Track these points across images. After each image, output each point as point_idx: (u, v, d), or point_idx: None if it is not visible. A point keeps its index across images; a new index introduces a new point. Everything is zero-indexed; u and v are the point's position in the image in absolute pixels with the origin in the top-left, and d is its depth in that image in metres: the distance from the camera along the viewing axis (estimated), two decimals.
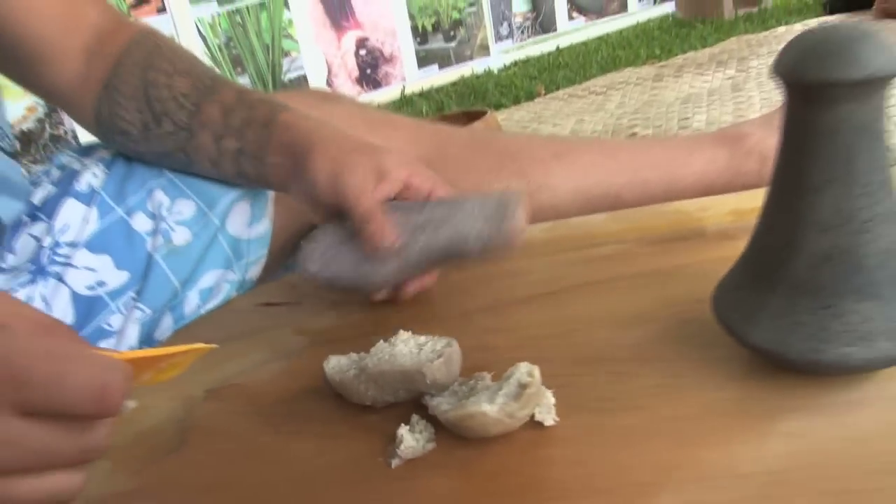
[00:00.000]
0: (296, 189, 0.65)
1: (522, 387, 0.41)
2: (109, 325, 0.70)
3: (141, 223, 0.71)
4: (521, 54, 2.32)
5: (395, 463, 0.43)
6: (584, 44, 2.36)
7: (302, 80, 2.04)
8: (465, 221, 0.57)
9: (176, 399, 0.57)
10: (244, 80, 1.98)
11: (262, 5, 1.97)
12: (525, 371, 0.42)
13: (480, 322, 0.58)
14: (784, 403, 0.41)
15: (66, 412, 0.31)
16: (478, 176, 0.75)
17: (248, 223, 0.75)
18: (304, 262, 0.61)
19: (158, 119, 0.69)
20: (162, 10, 1.87)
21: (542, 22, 2.39)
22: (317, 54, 2.04)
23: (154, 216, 0.72)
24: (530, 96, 1.76)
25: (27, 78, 0.71)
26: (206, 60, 1.92)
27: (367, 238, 0.58)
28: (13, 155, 0.67)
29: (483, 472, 0.41)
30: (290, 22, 2.00)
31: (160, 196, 0.72)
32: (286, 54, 2.02)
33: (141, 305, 0.70)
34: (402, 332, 0.51)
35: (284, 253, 0.80)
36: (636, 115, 1.34)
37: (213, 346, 0.41)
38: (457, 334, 0.50)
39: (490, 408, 0.41)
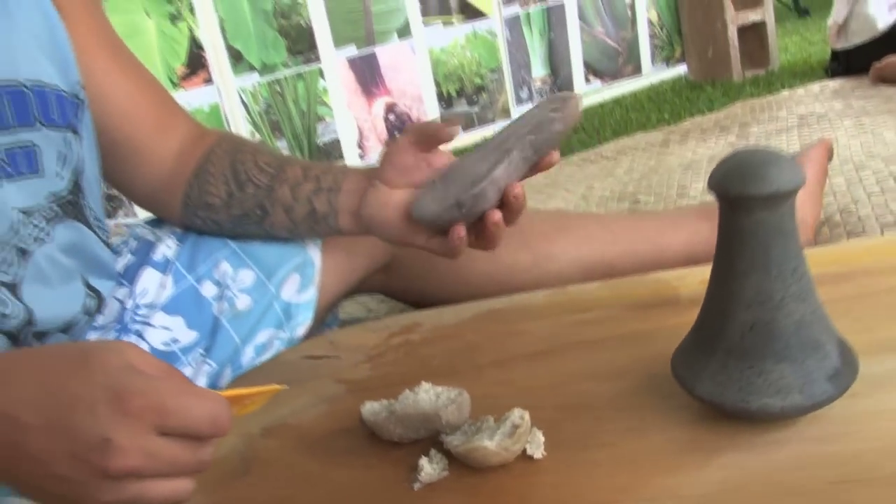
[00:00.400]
0: (371, 190, 0.74)
1: (515, 427, 0.53)
2: None
3: (208, 290, 0.84)
4: None
5: (416, 486, 0.55)
6: (601, 105, 2.50)
7: (335, 143, 2.19)
8: (537, 116, 0.66)
9: (237, 436, 0.69)
10: (282, 144, 2.13)
11: (299, 76, 2.13)
12: (518, 415, 0.54)
13: (488, 375, 0.70)
14: (721, 443, 0.53)
15: (191, 434, 0.44)
16: None
17: (298, 291, 0.87)
18: (421, 209, 0.69)
19: (242, 185, 0.81)
20: (209, 80, 2.04)
21: (560, 85, 2.53)
22: (349, 119, 2.19)
23: (219, 284, 0.85)
24: None
25: (122, 177, 0.84)
26: (248, 126, 2.09)
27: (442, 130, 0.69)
28: (108, 243, 0.81)
29: (485, 493, 0.53)
30: (325, 90, 2.16)
31: (225, 266, 0.85)
32: (320, 119, 2.17)
33: (209, 360, 0.83)
34: (423, 383, 0.63)
35: (325, 314, 0.92)
36: (641, 181, 1.46)
37: (285, 386, 0.54)
38: (468, 385, 0.62)
39: (490, 443, 0.52)
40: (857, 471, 0.48)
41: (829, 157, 1.05)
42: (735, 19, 2.45)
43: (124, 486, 0.43)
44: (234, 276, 0.85)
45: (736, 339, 0.53)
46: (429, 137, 0.71)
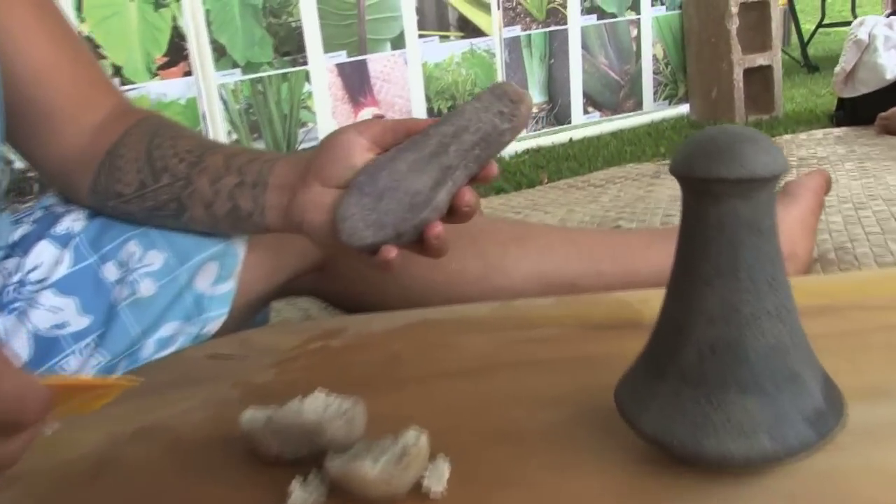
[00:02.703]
0: (302, 192, 0.64)
1: (404, 452, 0.42)
2: (65, 367, 0.71)
3: (110, 272, 0.74)
4: (533, 143, 2.38)
5: None
6: (597, 137, 2.42)
7: None
8: (481, 117, 0.57)
9: (104, 434, 0.58)
10: (260, 145, 2.05)
11: (284, 77, 2.05)
12: (413, 437, 0.43)
13: (406, 391, 0.59)
14: (664, 494, 0.42)
15: None
16: None
17: (214, 282, 0.76)
18: (353, 233, 0.59)
19: (158, 175, 0.71)
20: (188, 73, 1.96)
21: (556, 114, 2.45)
22: (332, 127, 2.10)
23: (124, 265, 0.74)
24: (533, 184, 1.80)
25: (30, 144, 0.75)
26: (226, 125, 2.00)
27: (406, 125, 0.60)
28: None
29: None
30: (310, 95, 2.07)
31: (133, 247, 0.75)
32: (303, 125, 2.09)
33: (101, 351, 0.72)
34: (317, 391, 0.52)
35: (246, 314, 0.81)
36: (625, 209, 1.37)
37: (137, 381, 0.43)
38: (380, 401, 0.52)
39: (371, 468, 0.41)
40: None
41: (827, 189, 0.95)
42: (742, 61, 2.38)
43: None
44: (141, 257, 0.75)
45: (692, 361, 0.42)
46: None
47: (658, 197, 1.44)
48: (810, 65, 4.06)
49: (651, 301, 0.68)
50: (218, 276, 0.77)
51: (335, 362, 0.67)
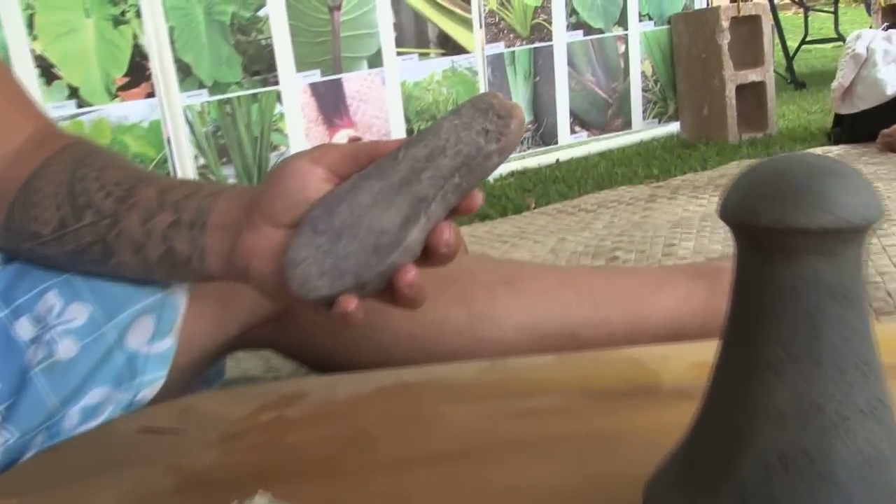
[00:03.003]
0: (248, 233, 0.53)
1: None
2: None
3: (24, 329, 0.62)
4: (519, 165, 2.29)
5: None
6: (585, 158, 2.33)
7: None
8: (461, 136, 0.46)
9: None
10: (229, 171, 1.94)
11: (253, 97, 1.95)
12: None
13: (375, 481, 0.48)
14: None
15: None
16: None
17: (150, 339, 0.64)
18: (304, 282, 0.48)
19: (80, 213, 0.60)
20: (151, 94, 1.85)
21: (542, 134, 2.37)
22: None
23: (40, 321, 0.62)
24: (519, 209, 1.70)
25: None
26: (192, 148, 1.88)
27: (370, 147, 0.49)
28: None
29: None
30: (282, 116, 1.98)
31: (52, 298, 0.63)
32: (274, 148, 1.99)
33: (8, 426, 0.60)
34: (258, 496, 0.40)
35: (190, 375, 0.70)
36: (621, 237, 1.27)
37: None
38: (344, 493, 0.41)
39: None
40: None
41: None
42: (734, 77, 2.30)
43: None
44: (61, 311, 0.63)
45: (757, 477, 0.31)
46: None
47: (656, 223, 1.35)
48: (797, 81, 4.01)
49: (670, 360, 0.58)
50: (154, 333, 0.65)
51: (289, 440, 0.55)
